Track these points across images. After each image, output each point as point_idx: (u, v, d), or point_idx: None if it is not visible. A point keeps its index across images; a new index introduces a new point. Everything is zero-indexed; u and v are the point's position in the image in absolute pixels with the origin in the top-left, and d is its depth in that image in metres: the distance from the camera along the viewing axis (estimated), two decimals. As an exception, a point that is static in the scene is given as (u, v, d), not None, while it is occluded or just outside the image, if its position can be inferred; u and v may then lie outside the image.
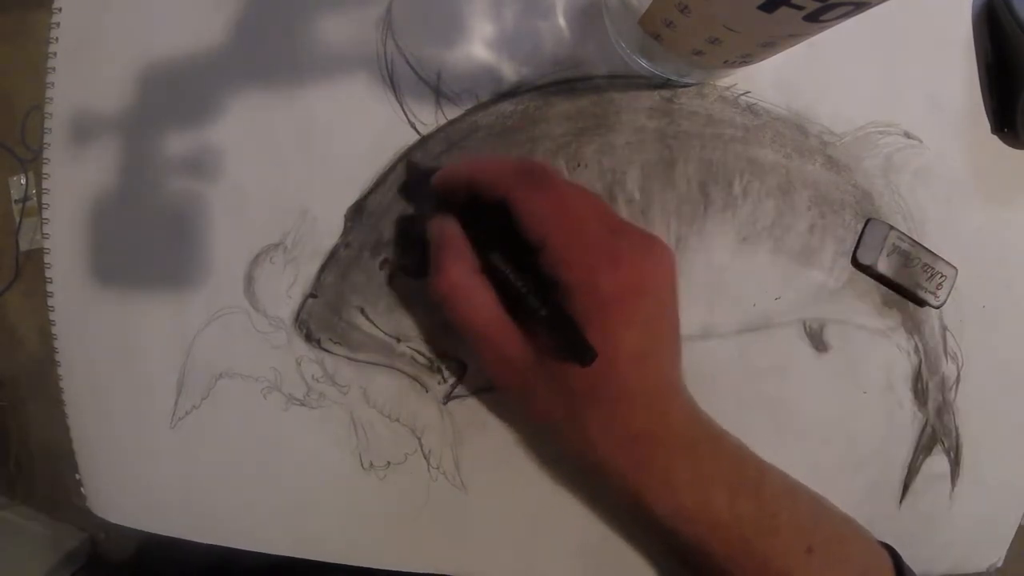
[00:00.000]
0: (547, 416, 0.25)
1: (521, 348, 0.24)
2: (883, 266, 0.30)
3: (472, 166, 0.25)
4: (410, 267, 0.29)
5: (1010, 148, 0.32)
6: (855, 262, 0.31)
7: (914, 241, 0.31)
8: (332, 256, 0.30)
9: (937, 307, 0.31)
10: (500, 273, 0.24)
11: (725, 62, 0.25)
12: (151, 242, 0.31)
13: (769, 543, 0.24)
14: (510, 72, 0.29)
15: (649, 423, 0.24)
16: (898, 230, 0.30)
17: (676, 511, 0.24)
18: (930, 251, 0.31)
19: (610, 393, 0.23)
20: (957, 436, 0.33)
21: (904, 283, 0.31)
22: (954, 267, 0.31)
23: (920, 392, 0.32)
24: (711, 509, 0.24)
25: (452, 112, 0.30)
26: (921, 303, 0.31)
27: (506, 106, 0.30)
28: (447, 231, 0.25)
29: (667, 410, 0.24)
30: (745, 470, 0.25)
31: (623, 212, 0.30)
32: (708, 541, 0.24)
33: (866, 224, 0.31)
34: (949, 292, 0.31)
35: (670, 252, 0.25)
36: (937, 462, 0.33)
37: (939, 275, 0.31)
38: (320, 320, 0.30)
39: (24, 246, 1.12)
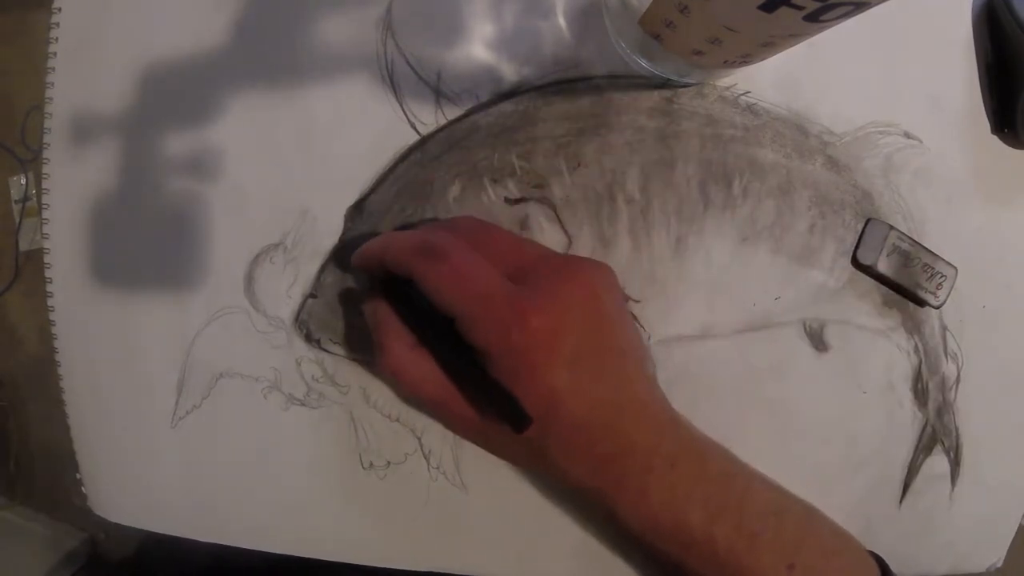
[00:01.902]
0: (515, 460, 0.27)
1: (470, 409, 0.24)
2: (883, 266, 0.30)
3: (379, 245, 0.25)
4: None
5: (1010, 148, 0.32)
6: (855, 262, 0.31)
7: (914, 241, 0.31)
8: (332, 256, 0.30)
9: (937, 307, 0.31)
10: (430, 347, 0.24)
11: (725, 62, 0.25)
12: (151, 242, 0.31)
13: (746, 562, 0.24)
14: (510, 72, 0.29)
15: (615, 444, 0.24)
16: (898, 230, 0.30)
17: (651, 528, 0.24)
18: (930, 251, 0.31)
19: (563, 430, 0.24)
20: (957, 436, 0.33)
21: (904, 283, 0.31)
22: (954, 267, 0.31)
23: (920, 392, 0.32)
24: (686, 528, 0.24)
25: (452, 112, 0.30)
26: (921, 303, 0.31)
27: (506, 106, 0.30)
28: (379, 313, 0.25)
29: (633, 428, 0.24)
30: (729, 488, 0.25)
31: (623, 212, 0.30)
32: (684, 558, 0.24)
33: (866, 224, 0.31)
34: (949, 292, 0.31)
35: (591, 267, 0.25)
36: (937, 462, 0.33)
37: (939, 275, 0.31)
38: (320, 320, 0.30)
39: (24, 246, 1.12)
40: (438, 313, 0.24)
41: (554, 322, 0.23)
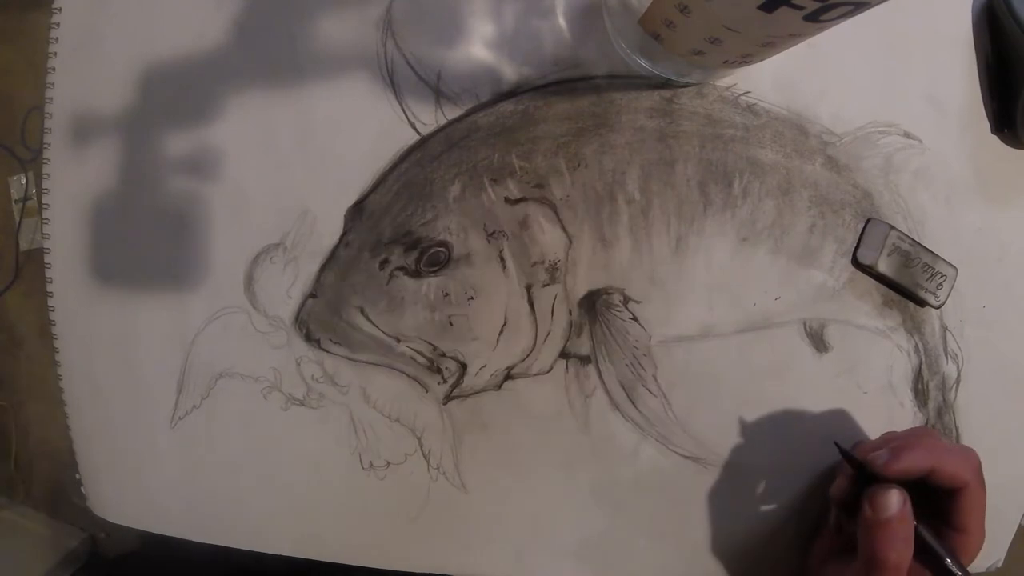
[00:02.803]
0: None
1: None
2: (884, 266, 0.30)
3: (937, 457, 0.26)
4: (410, 267, 0.30)
5: (1010, 148, 0.32)
6: (855, 262, 0.31)
7: (914, 241, 0.31)
8: (332, 256, 0.30)
9: (937, 307, 0.31)
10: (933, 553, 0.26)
11: (725, 62, 0.25)
12: (151, 242, 0.31)
13: None
14: (510, 72, 0.29)
15: None
16: (898, 230, 0.30)
17: None
18: (930, 251, 0.31)
19: None
20: (957, 436, 0.33)
21: (905, 283, 0.31)
22: (954, 267, 0.31)
23: (920, 392, 0.32)
24: None
25: (452, 112, 0.30)
26: (921, 303, 0.31)
27: (506, 106, 0.30)
28: (905, 507, 0.26)
29: None
30: None
31: (623, 212, 0.30)
32: None
33: (866, 224, 0.31)
34: (949, 292, 0.31)
35: None
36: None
37: (939, 275, 0.31)
38: (320, 320, 0.30)
39: (24, 246, 1.12)
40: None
41: None
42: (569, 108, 0.30)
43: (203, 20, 0.30)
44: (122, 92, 0.30)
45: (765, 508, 0.32)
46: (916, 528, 0.26)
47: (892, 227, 0.30)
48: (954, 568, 0.26)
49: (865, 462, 0.27)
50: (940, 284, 0.31)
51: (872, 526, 0.25)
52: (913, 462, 0.26)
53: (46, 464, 1.09)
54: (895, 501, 0.25)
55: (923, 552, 0.26)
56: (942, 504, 0.27)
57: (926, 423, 0.33)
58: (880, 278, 0.31)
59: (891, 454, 0.26)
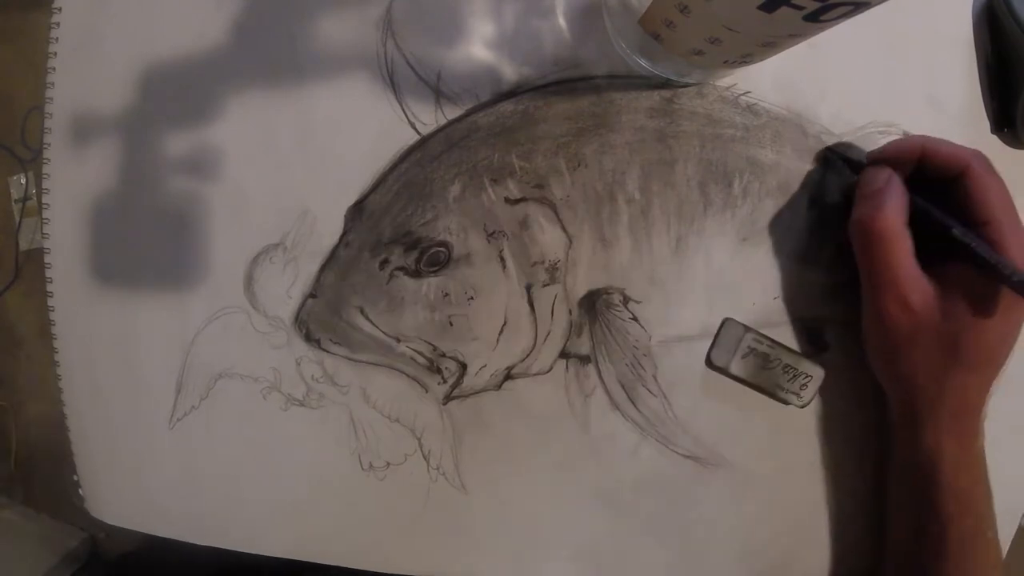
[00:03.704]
0: (911, 373, 0.27)
1: (926, 301, 0.26)
2: (736, 368, 0.30)
3: (928, 140, 0.27)
4: (410, 267, 0.30)
5: (1010, 148, 0.32)
6: (708, 363, 0.31)
7: (774, 342, 0.30)
8: (332, 256, 0.30)
9: (801, 407, 0.31)
10: (939, 227, 0.26)
11: (725, 62, 0.25)
12: (151, 242, 0.31)
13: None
14: (510, 72, 0.29)
15: (980, 399, 0.28)
16: (756, 332, 0.30)
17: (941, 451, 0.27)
18: (794, 352, 0.31)
19: (983, 363, 0.26)
20: (957, 436, 0.33)
21: (762, 384, 0.31)
22: (822, 367, 0.31)
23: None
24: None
25: (452, 112, 0.30)
26: (784, 403, 0.31)
27: (506, 106, 0.30)
28: (893, 178, 0.26)
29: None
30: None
31: (623, 212, 0.30)
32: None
33: (722, 325, 0.31)
34: (815, 392, 0.31)
35: None
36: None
37: (803, 375, 0.30)
38: (320, 320, 0.30)
39: (24, 246, 1.12)
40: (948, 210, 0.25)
41: None
42: (569, 108, 0.30)
43: (203, 20, 0.30)
44: (122, 92, 0.30)
45: (765, 508, 0.32)
46: (914, 200, 0.26)
47: (748, 329, 0.30)
48: (965, 239, 0.25)
49: (856, 161, 0.28)
50: (804, 385, 0.31)
51: (859, 199, 0.27)
52: (900, 145, 0.27)
53: (46, 464, 1.09)
54: (882, 173, 0.26)
55: (953, 250, 0.25)
56: (960, 201, 0.26)
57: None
58: (736, 379, 0.31)
59: (881, 148, 0.28)
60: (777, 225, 0.31)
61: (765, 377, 0.31)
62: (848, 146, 0.30)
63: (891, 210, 0.26)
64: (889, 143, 0.28)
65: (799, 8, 0.19)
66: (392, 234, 0.30)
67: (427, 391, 0.31)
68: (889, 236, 0.26)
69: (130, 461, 0.33)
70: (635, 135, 0.30)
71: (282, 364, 0.31)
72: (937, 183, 0.27)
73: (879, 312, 0.27)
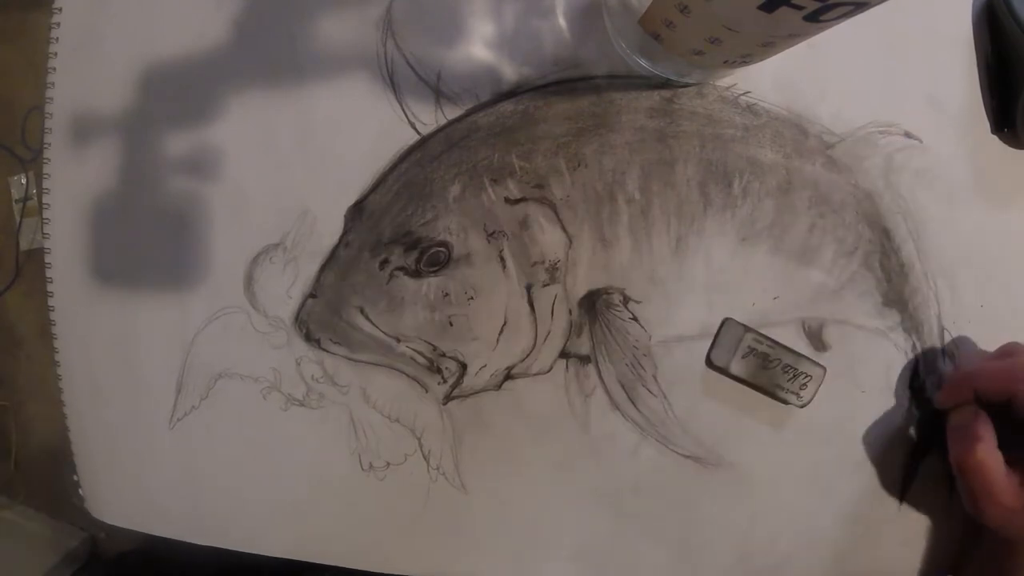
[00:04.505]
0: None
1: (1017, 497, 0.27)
2: (736, 368, 0.30)
3: (972, 375, 0.29)
4: (410, 267, 0.30)
5: (1010, 148, 0.32)
6: (708, 362, 0.31)
7: (774, 342, 0.30)
8: (332, 256, 0.30)
9: (801, 407, 0.31)
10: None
11: (725, 62, 0.25)
12: (151, 242, 0.31)
13: None
14: (510, 72, 0.29)
15: None
16: (755, 332, 0.30)
17: None
18: (793, 351, 0.31)
19: None
20: (957, 436, 0.33)
21: (762, 384, 0.31)
22: (822, 367, 0.31)
23: (917, 391, 0.32)
24: None
25: (452, 112, 0.30)
26: (784, 402, 0.31)
27: (506, 106, 0.30)
28: (980, 415, 0.29)
29: None
30: None
31: (623, 212, 0.30)
32: None
33: (722, 325, 0.31)
34: (816, 391, 0.31)
35: None
36: (936, 462, 0.33)
37: (803, 375, 0.30)
38: (320, 320, 0.30)
39: (24, 246, 1.12)
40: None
41: None
42: (569, 108, 0.30)
43: (203, 20, 0.30)
44: (122, 92, 0.30)
45: (765, 508, 0.32)
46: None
47: (748, 329, 0.30)
48: None
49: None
50: (804, 384, 0.31)
51: (950, 439, 0.29)
52: (955, 391, 0.30)
53: (46, 464, 1.09)
54: (968, 411, 0.29)
55: None
56: (1017, 412, 0.28)
57: (925, 422, 0.33)
58: (736, 379, 0.31)
59: (942, 391, 0.31)
60: (777, 225, 0.31)
61: (765, 377, 0.31)
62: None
63: (982, 448, 0.27)
64: (945, 387, 0.31)
65: (799, 8, 0.19)
66: (392, 234, 0.30)
67: (427, 391, 0.31)
68: (984, 468, 0.27)
69: (130, 461, 0.33)
70: (635, 135, 0.30)
71: (282, 364, 0.31)
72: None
73: (988, 524, 0.28)
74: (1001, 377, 0.28)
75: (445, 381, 0.31)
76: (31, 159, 1.11)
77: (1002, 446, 0.28)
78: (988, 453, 0.27)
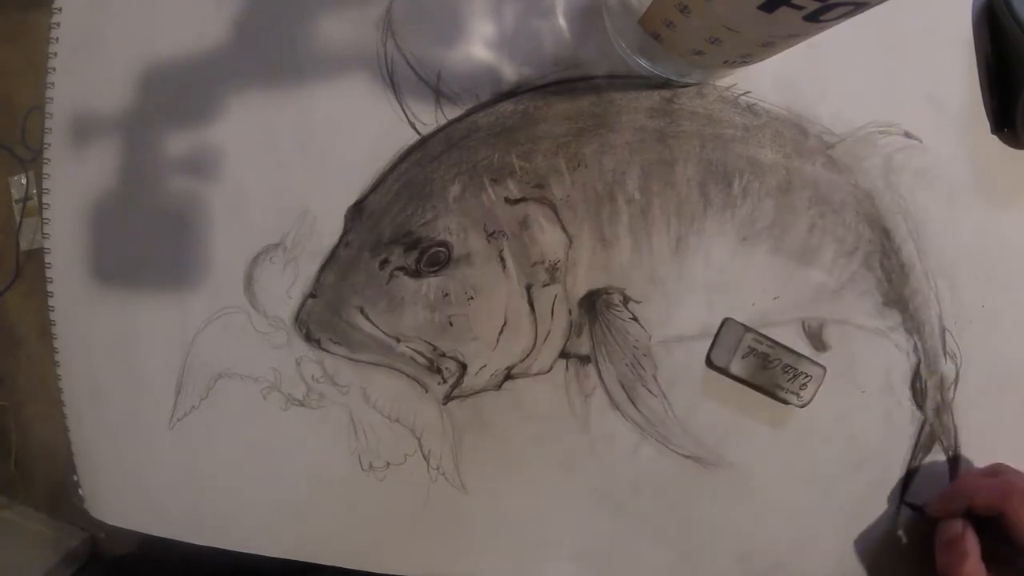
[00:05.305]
0: None
1: None
2: (736, 368, 0.30)
3: (966, 490, 0.30)
4: (410, 267, 0.30)
5: (1010, 148, 0.32)
6: (708, 362, 0.31)
7: (774, 342, 0.30)
8: (332, 256, 0.30)
9: (801, 407, 0.31)
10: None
11: (725, 62, 0.25)
12: (151, 242, 0.31)
13: None
14: (510, 72, 0.29)
15: None
16: (755, 332, 0.30)
17: None
18: (794, 351, 0.31)
19: None
20: (956, 435, 0.33)
21: (762, 384, 0.31)
22: (822, 367, 0.31)
23: (919, 391, 0.32)
24: None
25: (452, 112, 0.30)
26: (784, 402, 0.31)
27: (506, 106, 0.30)
28: (968, 530, 0.30)
29: None
30: None
31: (623, 212, 0.30)
32: None
33: (722, 325, 0.31)
34: (816, 391, 0.31)
35: None
36: (936, 461, 0.33)
37: (803, 375, 0.31)
38: (320, 320, 0.30)
39: (24, 246, 1.12)
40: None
41: None
42: (569, 108, 0.30)
43: (203, 20, 0.30)
44: (122, 92, 0.30)
45: (765, 508, 0.32)
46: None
47: (748, 329, 0.30)
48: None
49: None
50: (804, 384, 0.31)
51: (938, 549, 0.30)
52: (948, 503, 0.31)
53: (46, 464, 1.09)
54: (956, 525, 0.30)
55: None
56: (1007, 528, 0.29)
57: (924, 422, 0.33)
58: (735, 379, 0.31)
59: (934, 501, 0.32)
60: (777, 225, 0.31)
61: (765, 377, 0.31)
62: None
63: (970, 564, 0.29)
64: (938, 498, 0.31)
65: (799, 8, 0.19)
66: (392, 234, 0.30)
67: (427, 391, 0.31)
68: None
69: (130, 461, 0.33)
70: (635, 135, 0.30)
71: (282, 364, 0.31)
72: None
73: None
74: (994, 494, 0.29)
75: (445, 381, 0.31)
76: (31, 159, 1.11)
77: (985, 556, 0.29)
78: (974, 568, 0.29)
